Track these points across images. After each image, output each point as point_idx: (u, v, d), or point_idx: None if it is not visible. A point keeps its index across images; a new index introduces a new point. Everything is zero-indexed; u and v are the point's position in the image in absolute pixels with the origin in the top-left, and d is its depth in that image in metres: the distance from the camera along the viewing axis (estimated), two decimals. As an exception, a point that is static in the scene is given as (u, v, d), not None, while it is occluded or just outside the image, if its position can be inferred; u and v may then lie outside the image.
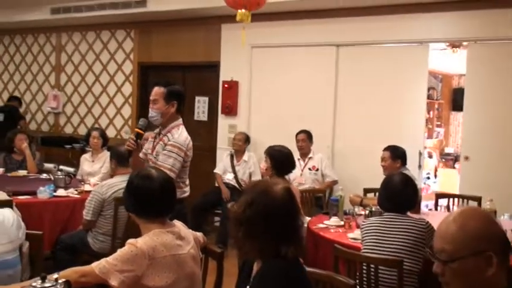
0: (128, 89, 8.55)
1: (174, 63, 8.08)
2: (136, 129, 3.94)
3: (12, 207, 4.21)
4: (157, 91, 3.90)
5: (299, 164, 6.29)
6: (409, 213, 3.45)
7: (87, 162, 6.46)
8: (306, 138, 6.48)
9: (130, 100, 8.52)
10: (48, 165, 6.83)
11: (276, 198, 2.04)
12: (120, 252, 2.40)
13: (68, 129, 9.26)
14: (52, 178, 5.55)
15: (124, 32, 8.54)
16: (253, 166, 6.86)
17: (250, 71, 7.33)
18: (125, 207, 2.69)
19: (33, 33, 9.58)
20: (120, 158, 4.70)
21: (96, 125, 8.70)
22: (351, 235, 3.86)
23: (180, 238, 2.55)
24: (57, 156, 8.25)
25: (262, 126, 7.30)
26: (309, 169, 6.41)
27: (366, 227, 3.40)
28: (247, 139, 7.01)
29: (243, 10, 4.40)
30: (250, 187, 2.20)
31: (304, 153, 6.48)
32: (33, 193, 4.97)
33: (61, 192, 5.13)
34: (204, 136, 7.93)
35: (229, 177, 6.87)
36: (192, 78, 8.11)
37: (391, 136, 6.00)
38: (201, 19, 7.52)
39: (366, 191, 5.51)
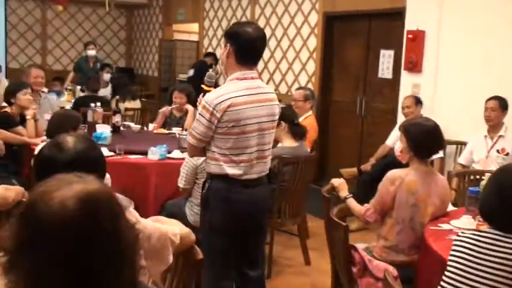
0: (313, 42, 7.75)
1: (359, 11, 7.00)
2: (202, 86, 3.20)
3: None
4: None
5: (485, 142, 4.93)
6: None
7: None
8: (497, 107, 4.92)
9: (314, 55, 7.72)
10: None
11: (47, 214, 1.10)
12: None
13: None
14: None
15: (311, -22, 7.72)
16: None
17: (439, 19, 5.89)
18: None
19: (233, -15, 9.33)
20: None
21: (283, 83, 8.22)
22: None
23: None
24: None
25: (451, 86, 5.85)
26: (497, 151, 4.88)
27: (456, 245, 2.15)
28: (417, 102, 5.68)
29: None
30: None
31: (494, 128, 4.96)
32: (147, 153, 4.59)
33: (177, 154, 4.61)
34: (387, 96, 6.81)
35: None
36: (378, 28, 6.96)
37: None
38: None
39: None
